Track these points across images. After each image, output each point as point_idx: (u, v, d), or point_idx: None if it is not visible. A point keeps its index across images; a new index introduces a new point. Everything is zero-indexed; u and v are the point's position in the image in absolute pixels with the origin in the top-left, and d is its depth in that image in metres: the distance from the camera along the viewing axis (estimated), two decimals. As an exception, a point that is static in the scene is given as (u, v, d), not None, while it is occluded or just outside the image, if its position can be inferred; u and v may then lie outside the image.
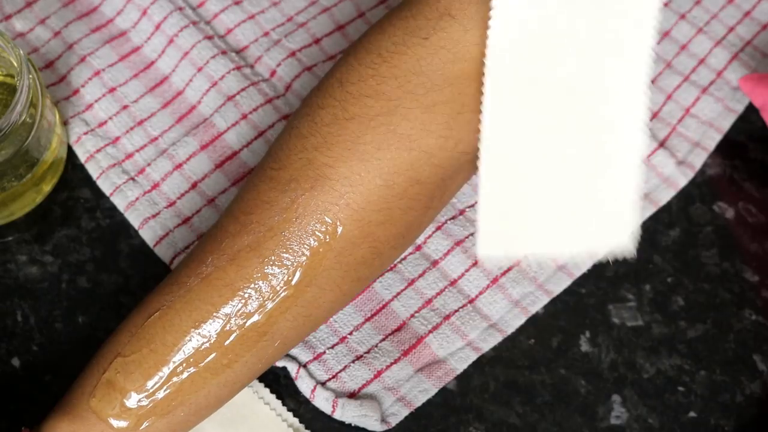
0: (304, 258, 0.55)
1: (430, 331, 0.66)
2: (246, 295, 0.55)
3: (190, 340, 0.55)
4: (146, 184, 0.68)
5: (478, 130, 0.56)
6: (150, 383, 0.55)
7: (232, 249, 0.56)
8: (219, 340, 0.55)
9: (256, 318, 0.55)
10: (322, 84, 0.58)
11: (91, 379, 0.56)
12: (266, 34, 0.74)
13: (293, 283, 0.55)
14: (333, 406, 0.62)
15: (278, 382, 0.64)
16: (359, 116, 0.55)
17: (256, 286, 0.55)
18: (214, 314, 0.55)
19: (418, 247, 0.68)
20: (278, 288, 0.55)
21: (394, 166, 0.55)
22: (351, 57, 0.58)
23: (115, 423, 0.55)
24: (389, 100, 0.55)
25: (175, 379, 0.55)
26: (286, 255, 0.55)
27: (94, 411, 0.55)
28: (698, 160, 0.72)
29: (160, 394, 0.55)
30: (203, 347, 0.55)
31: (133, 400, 0.55)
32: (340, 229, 0.55)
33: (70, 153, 0.69)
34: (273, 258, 0.55)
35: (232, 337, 0.55)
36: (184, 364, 0.55)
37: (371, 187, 0.55)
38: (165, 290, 0.57)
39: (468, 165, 0.59)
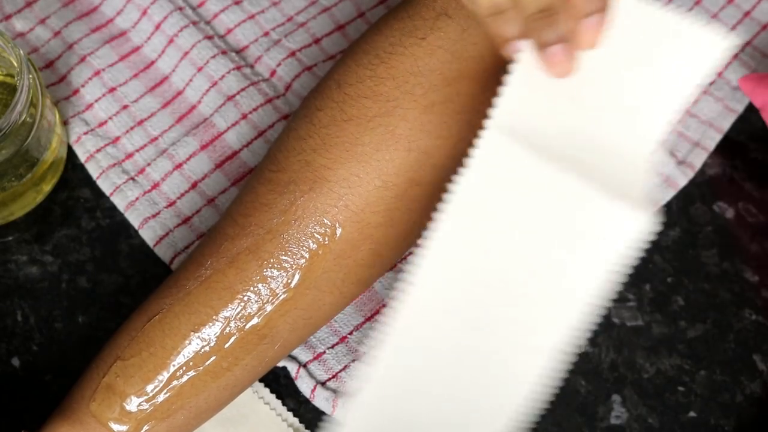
0: (304, 260, 0.55)
1: (430, 332, 0.65)
2: (245, 298, 0.55)
3: (190, 343, 0.55)
4: (146, 184, 0.68)
5: (477, 131, 0.54)
6: (150, 387, 0.55)
7: (230, 252, 0.56)
8: (219, 344, 0.55)
9: (255, 321, 0.55)
10: (320, 86, 0.58)
11: (91, 382, 0.56)
12: (266, 34, 0.74)
13: (292, 285, 0.55)
14: (333, 405, 0.62)
15: (278, 382, 0.64)
16: (357, 117, 0.55)
17: (256, 289, 0.55)
18: (214, 317, 0.55)
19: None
20: (277, 291, 0.55)
21: (392, 167, 0.55)
22: (348, 59, 0.57)
23: (116, 427, 0.55)
24: (387, 101, 0.55)
25: (175, 382, 0.55)
26: (285, 257, 0.55)
27: (94, 415, 0.55)
28: (698, 160, 0.72)
29: (160, 398, 0.55)
30: (203, 350, 0.55)
31: (133, 404, 0.55)
32: (339, 231, 0.55)
33: (70, 153, 0.69)
34: (272, 261, 0.55)
35: (231, 341, 0.55)
36: (184, 368, 0.55)
37: (370, 189, 0.55)
38: (164, 293, 0.57)
39: None
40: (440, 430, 0.52)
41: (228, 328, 0.55)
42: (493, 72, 0.55)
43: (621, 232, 0.46)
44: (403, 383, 0.51)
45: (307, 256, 0.55)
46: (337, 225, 0.55)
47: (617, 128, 0.46)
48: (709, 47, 0.45)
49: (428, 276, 0.48)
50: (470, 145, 0.50)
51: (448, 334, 0.50)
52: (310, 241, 0.55)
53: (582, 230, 0.47)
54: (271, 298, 0.55)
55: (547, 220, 0.47)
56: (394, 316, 0.49)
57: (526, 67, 0.44)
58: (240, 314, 0.55)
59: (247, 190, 0.58)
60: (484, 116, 0.49)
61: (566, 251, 0.47)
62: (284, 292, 0.55)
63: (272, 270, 0.55)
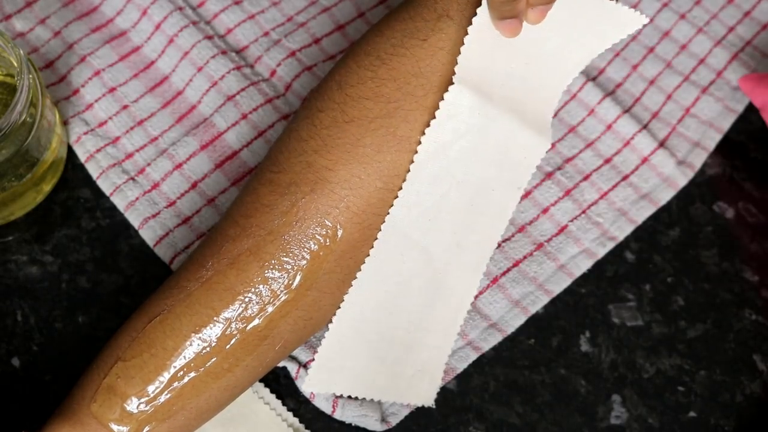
0: (305, 262, 0.55)
1: (430, 331, 0.66)
2: (246, 299, 0.55)
3: (191, 344, 0.55)
4: (146, 184, 0.68)
5: None
6: (151, 388, 0.55)
7: (232, 253, 0.56)
8: (220, 345, 0.55)
9: (256, 322, 0.55)
10: (321, 87, 0.58)
11: (92, 383, 0.56)
12: (266, 34, 0.74)
13: (294, 286, 0.55)
14: (333, 406, 0.62)
15: (278, 382, 0.64)
16: (358, 119, 0.55)
17: (257, 290, 0.55)
18: (215, 318, 0.55)
19: (418, 247, 0.68)
20: (279, 292, 0.55)
21: (394, 168, 0.55)
22: (350, 60, 0.57)
23: (116, 428, 0.55)
24: (388, 102, 0.55)
25: (176, 383, 0.55)
26: (286, 259, 0.55)
27: (95, 416, 0.55)
28: (698, 160, 0.72)
29: (161, 399, 0.55)
30: (204, 352, 0.55)
31: (133, 405, 0.55)
32: (340, 233, 0.55)
33: (70, 153, 0.69)
34: (273, 262, 0.55)
35: (232, 342, 0.55)
36: (185, 369, 0.55)
37: (371, 190, 0.55)
38: (165, 294, 0.57)
39: None
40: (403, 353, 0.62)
41: (229, 329, 0.55)
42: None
43: (534, 155, 0.59)
44: (375, 310, 0.59)
45: (308, 257, 0.55)
46: (338, 226, 0.55)
47: (538, 72, 0.58)
48: (621, 22, 0.59)
49: (399, 207, 0.57)
50: None
51: (410, 263, 0.59)
52: (311, 243, 0.55)
53: (510, 159, 0.58)
54: (272, 299, 0.55)
55: (487, 154, 0.58)
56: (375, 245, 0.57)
57: (479, 29, 0.55)
58: (241, 315, 0.55)
59: (248, 191, 0.58)
60: None
61: (497, 178, 0.59)
62: (285, 293, 0.55)
63: (273, 271, 0.55)
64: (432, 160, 0.56)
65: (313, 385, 0.61)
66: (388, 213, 0.56)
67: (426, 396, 0.63)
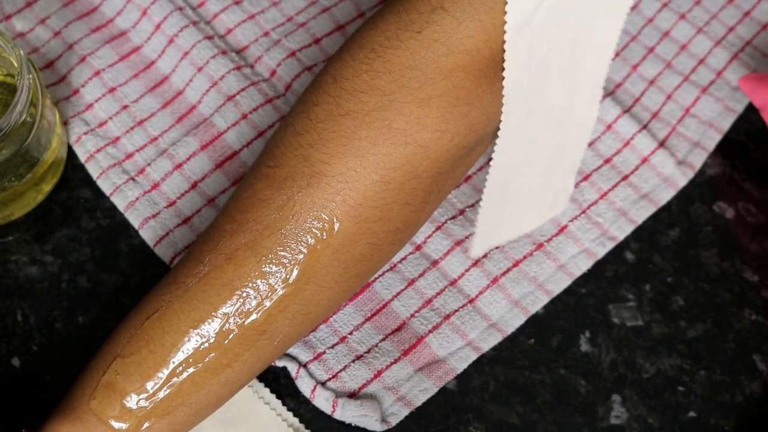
0: (302, 256, 0.55)
1: (430, 331, 0.66)
2: (244, 294, 0.55)
3: (189, 340, 0.55)
4: (146, 184, 0.68)
5: (473, 124, 0.57)
6: (150, 384, 0.55)
7: (229, 248, 0.56)
8: (218, 340, 0.55)
9: (254, 317, 0.55)
10: (317, 81, 0.58)
11: (91, 380, 0.56)
12: (266, 34, 0.74)
13: (291, 281, 0.55)
14: (333, 405, 0.62)
15: (278, 382, 0.64)
16: (354, 112, 0.55)
17: (254, 284, 0.55)
18: (213, 314, 0.55)
19: (418, 247, 0.68)
20: (276, 286, 0.55)
21: (390, 161, 0.55)
22: (345, 53, 0.57)
23: (116, 424, 0.55)
24: (383, 95, 0.55)
25: (174, 379, 0.55)
26: (283, 253, 0.55)
27: (94, 413, 0.55)
28: (698, 160, 0.72)
29: (160, 395, 0.55)
30: (202, 347, 0.55)
31: (133, 402, 0.55)
32: (337, 226, 0.55)
33: (70, 153, 0.69)
34: (270, 256, 0.55)
35: (231, 337, 0.55)
36: (184, 365, 0.55)
37: (367, 183, 0.55)
38: (163, 290, 0.57)
39: (464, 159, 0.59)
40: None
41: (227, 325, 0.55)
42: (488, 64, 0.56)
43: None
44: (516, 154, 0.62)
45: (305, 251, 0.55)
46: (335, 220, 0.55)
47: None
48: None
49: (510, 84, 0.57)
50: (467, 138, 0.57)
51: (535, 122, 0.61)
52: (308, 237, 0.55)
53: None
54: (269, 293, 0.55)
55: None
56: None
57: None
58: (239, 310, 0.55)
59: (244, 186, 0.58)
60: (480, 109, 0.56)
61: (594, 15, 0.58)
62: (283, 288, 0.55)
63: (271, 266, 0.55)
64: (521, 32, 0.55)
65: (479, 250, 0.67)
66: (503, 93, 0.57)
67: (562, 201, 0.70)
